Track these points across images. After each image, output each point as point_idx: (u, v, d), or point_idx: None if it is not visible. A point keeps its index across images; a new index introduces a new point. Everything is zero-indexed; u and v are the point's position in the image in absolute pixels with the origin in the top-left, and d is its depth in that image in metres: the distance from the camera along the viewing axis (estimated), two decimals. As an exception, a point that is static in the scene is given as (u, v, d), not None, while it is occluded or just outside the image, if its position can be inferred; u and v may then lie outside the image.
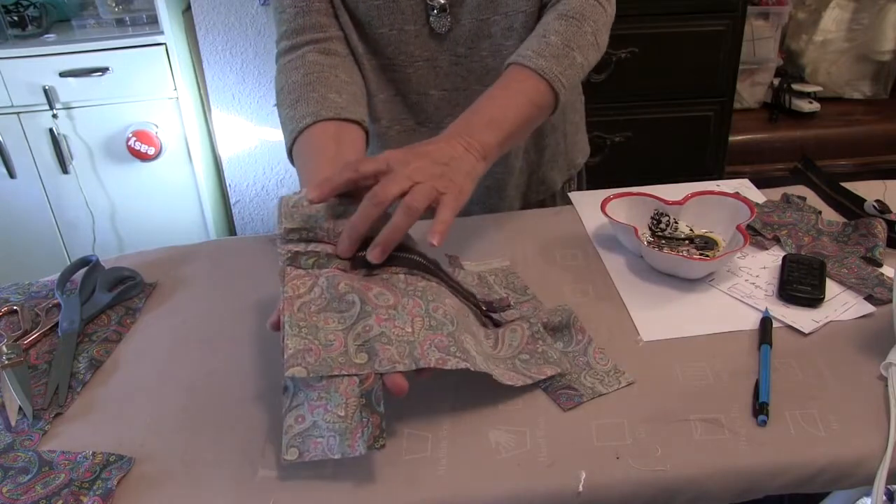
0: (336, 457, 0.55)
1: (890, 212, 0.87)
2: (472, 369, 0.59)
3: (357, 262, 0.65)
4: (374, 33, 0.87)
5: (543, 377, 0.63)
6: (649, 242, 0.83)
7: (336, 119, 0.80)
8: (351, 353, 0.58)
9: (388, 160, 0.66)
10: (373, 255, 0.63)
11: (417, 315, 0.61)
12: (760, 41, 2.22)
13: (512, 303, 0.73)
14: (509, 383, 0.61)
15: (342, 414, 0.55)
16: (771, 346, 0.67)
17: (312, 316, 0.60)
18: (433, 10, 0.85)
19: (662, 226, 0.86)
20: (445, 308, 0.62)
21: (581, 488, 0.54)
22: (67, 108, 1.91)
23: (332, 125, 0.80)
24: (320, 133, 0.79)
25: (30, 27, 1.95)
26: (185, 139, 2.00)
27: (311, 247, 0.64)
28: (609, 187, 0.92)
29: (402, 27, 0.86)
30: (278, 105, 0.84)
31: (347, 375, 0.57)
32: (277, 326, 0.61)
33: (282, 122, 0.83)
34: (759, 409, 0.59)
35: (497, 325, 0.70)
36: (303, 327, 0.59)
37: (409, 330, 0.60)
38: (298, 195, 0.66)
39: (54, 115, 1.90)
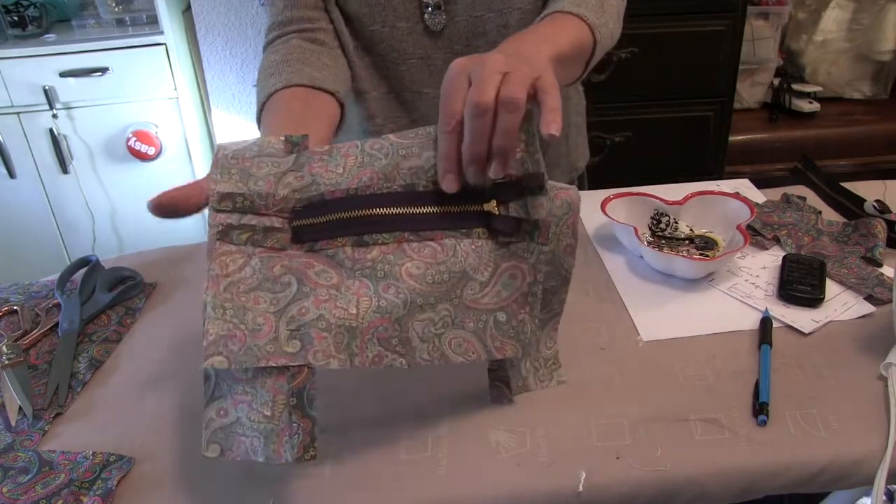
0: (260, 460, 0.50)
1: (890, 212, 0.87)
2: (406, 366, 0.53)
3: (301, 234, 0.57)
4: (366, 30, 0.87)
5: (500, 357, 0.57)
6: (649, 242, 0.83)
7: (308, 86, 0.76)
8: (282, 339, 0.51)
9: (461, 68, 0.56)
10: (497, 170, 0.54)
11: (364, 296, 0.54)
12: (760, 41, 2.22)
13: (547, 187, 0.58)
14: (460, 360, 0.55)
15: (268, 413, 0.50)
16: (771, 346, 0.67)
17: (240, 296, 0.53)
18: (427, 7, 0.85)
19: (662, 226, 0.86)
20: (399, 284, 0.55)
21: (581, 488, 0.54)
22: (67, 108, 1.91)
23: (301, 90, 0.76)
24: (289, 95, 0.75)
25: (30, 27, 1.94)
26: (185, 139, 2.00)
27: (246, 219, 0.56)
28: (609, 187, 0.92)
29: (394, 24, 0.86)
30: (256, 85, 0.81)
31: (276, 368, 0.50)
32: (163, 208, 0.55)
33: (256, 100, 0.80)
34: (759, 409, 0.59)
35: (507, 235, 0.59)
36: (227, 308, 0.52)
37: (354, 311, 0.53)
38: (240, 144, 0.59)
39: (54, 115, 1.90)
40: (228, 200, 0.56)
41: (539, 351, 0.63)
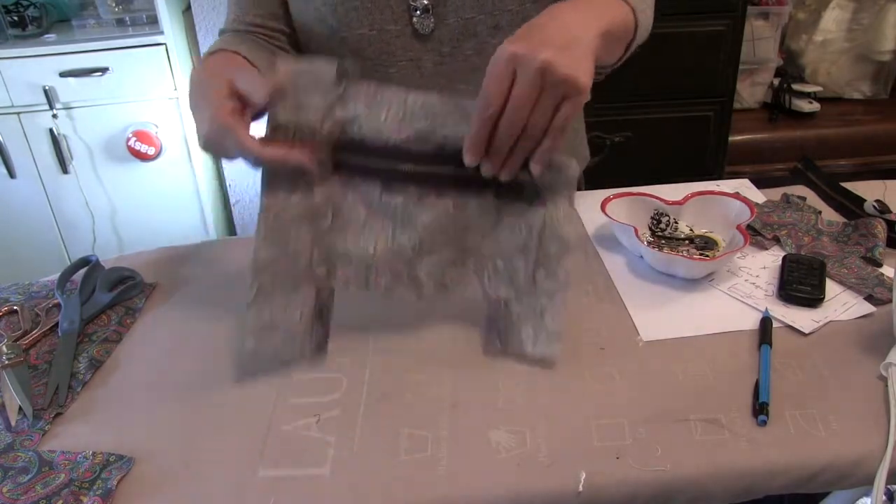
0: (285, 357, 0.66)
1: (890, 212, 0.87)
2: (415, 299, 0.66)
3: (341, 166, 0.66)
4: (354, 35, 0.87)
5: (494, 296, 0.67)
6: (649, 242, 0.83)
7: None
8: (315, 263, 0.66)
9: (509, 57, 0.57)
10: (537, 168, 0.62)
11: (382, 236, 0.66)
12: (760, 41, 2.22)
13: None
14: (458, 292, 0.68)
15: (297, 319, 0.66)
16: (771, 346, 0.67)
17: (286, 224, 0.65)
18: (416, 10, 0.84)
19: (662, 226, 0.86)
20: (412, 232, 0.66)
21: (581, 488, 0.54)
22: (67, 108, 1.91)
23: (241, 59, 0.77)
24: (240, 59, 0.76)
25: (30, 27, 1.94)
26: (185, 139, 1.99)
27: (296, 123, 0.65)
28: (609, 187, 0.92)
29: (382, 27, 0.86)
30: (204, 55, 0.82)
31: (307, 285, 0.66)
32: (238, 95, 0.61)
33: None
34: (759, 409, 0.59)
35: (511, 197, 0.66)
36: (276, 237, 0.65)
37: (371, 252, 0.66)
38: (298, 67, 0.64)
39: (54, 115, 1.89)
40: (281, 132, 0.64)
41: (543, 319, 0.67)
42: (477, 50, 0.88)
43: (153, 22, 1.93)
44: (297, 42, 0.93)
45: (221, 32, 0.90)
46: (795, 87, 2.28)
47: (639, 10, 0.74)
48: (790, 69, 2.36)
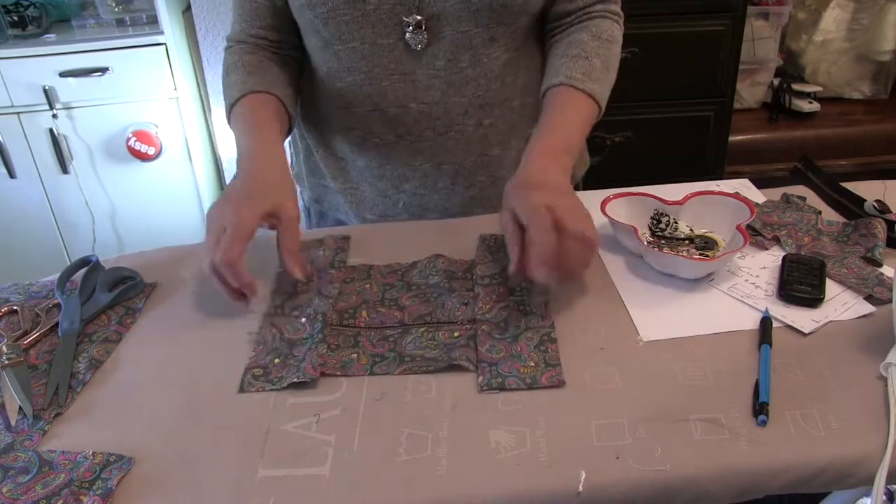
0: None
1: (890, 212, 0.87)
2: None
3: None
4: (346, 48, 0.87)
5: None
6: (649, 242, 0.83)
7: (278, 98, 0.89)
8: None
9: (527, 213, 0.70)
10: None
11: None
12: (760, 41, 2.22)
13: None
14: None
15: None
16: (771, 346, 0.67)
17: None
18: (409, 26, 0.84)
19: (662, 226, 0.86)
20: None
21: (581, 488, 0.54)
22: (67, 108, 1.91)
23: (275, 101, 0.89)
24: (265, 100, 0.88)
25: (30, 27, 1.94)
26: (185, 139, 2.00)
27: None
28: (609, 187, 0.92)
29: (374, 41, 0.85)
30: (227, 74, 0.91)
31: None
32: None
33: (229, 84, 0.91)
34: (759, 409, 0.59)
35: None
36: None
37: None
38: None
39: (54, 115, 1.90)
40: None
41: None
42: (472, 62, 0.88)
43: (153, 22, 1.93)
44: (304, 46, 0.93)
45: (229, 40, 0.93)
46: (795, 87, 2.28)
47: (602, 98, 0.88)
48: (790, 69, 2.36)
